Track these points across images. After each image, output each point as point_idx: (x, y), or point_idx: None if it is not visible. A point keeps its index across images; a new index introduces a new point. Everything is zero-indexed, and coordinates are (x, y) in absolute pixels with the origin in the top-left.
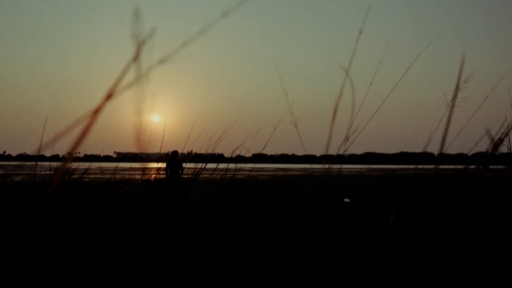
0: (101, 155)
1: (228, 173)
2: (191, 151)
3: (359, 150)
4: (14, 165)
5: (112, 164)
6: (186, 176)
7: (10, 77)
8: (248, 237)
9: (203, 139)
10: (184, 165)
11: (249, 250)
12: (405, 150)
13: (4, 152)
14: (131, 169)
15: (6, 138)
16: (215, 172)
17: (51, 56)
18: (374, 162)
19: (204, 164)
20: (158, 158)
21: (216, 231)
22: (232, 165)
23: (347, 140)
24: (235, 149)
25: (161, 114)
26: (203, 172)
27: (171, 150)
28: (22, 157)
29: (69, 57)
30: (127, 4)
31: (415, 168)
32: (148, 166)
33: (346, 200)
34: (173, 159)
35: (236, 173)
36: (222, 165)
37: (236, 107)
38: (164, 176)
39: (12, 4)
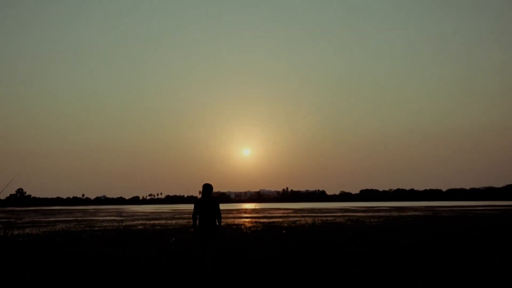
0: (185, 195)
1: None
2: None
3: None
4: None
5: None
6: None
7: None
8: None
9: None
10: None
11: None
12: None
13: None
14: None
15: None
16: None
17: None
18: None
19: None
20: (249, 197)
21: None
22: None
23: None
24: None
25: (251, 148)
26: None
27: (259, 189)
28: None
29: None
30: None
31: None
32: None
33: None
34: (205, 197)
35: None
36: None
37: (330, 140)
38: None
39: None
